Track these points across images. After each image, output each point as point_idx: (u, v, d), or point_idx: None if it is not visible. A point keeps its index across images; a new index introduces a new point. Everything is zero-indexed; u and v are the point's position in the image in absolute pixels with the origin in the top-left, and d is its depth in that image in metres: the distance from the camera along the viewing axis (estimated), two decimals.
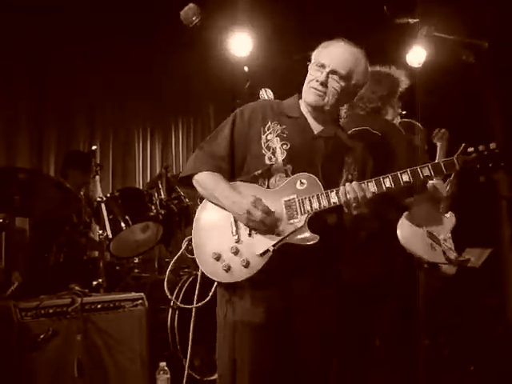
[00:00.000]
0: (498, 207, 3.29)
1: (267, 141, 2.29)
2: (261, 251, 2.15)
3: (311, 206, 2.16)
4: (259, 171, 2.26)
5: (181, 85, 6.39)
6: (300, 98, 2.41)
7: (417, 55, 5.20)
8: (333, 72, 2.27)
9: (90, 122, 5.82)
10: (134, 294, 3.56)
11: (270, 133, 2.30)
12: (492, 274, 5.04)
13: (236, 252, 2.18)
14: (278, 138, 2.28)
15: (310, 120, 2.37)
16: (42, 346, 3.03)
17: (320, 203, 2.15)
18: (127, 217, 4.28)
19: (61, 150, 5.43)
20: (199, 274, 2.35)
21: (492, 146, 1.96)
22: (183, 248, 2.40)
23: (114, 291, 3.94)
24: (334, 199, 2.14)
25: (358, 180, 2.20)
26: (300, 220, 2.16)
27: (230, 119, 2.38)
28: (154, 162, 6.58)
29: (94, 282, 3.79)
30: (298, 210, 2.17)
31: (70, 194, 4.30)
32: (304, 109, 2.38)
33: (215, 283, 2.27)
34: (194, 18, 5.45)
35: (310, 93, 2.32)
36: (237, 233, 2.21)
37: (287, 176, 2.24)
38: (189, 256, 2.36)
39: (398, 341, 2.95)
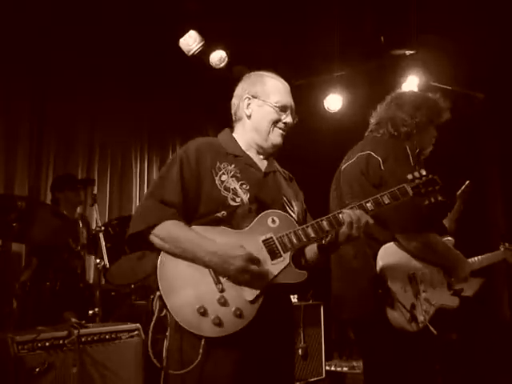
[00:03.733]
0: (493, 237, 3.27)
1: (222, 182, 2.18)
2: (252, 297, 2.03)
3: (292, 243, 2.11)
4: (223, 213, 2.12)
5: (180, 107, 6.44)
6: (232, 132, 2.38)
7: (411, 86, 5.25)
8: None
9: (88, 147, 5.83)
10: (130, 325, 3.54)
11: (223, 173, 2.20)
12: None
13: (224, 303, 2.02)
14: (234, 179, 2.20)
15: (253, 156, 2.33)
16: (38, 380, 3.01)
17: (300, 239, 2.11)
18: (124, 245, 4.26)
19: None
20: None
21: (423, 173, 2.25)
22: (157, 310, 2.08)
23: (109, 320, 3.93)
24: (312, 234, 2.12)
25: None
26: (285, 258, 2.09)
27: (177, 162, 2.21)
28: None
29: (90, 312, 3.79)
30: (280, 249, 2.10)
31: (66, 221, 4.33)
32: (244, 146, 2.33)
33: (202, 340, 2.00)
34: (193, 46, 5.55)
35: (277, 135, 2.31)
36: (219, 281, 2.04)
37: (250, 215, 2.15)
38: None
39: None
